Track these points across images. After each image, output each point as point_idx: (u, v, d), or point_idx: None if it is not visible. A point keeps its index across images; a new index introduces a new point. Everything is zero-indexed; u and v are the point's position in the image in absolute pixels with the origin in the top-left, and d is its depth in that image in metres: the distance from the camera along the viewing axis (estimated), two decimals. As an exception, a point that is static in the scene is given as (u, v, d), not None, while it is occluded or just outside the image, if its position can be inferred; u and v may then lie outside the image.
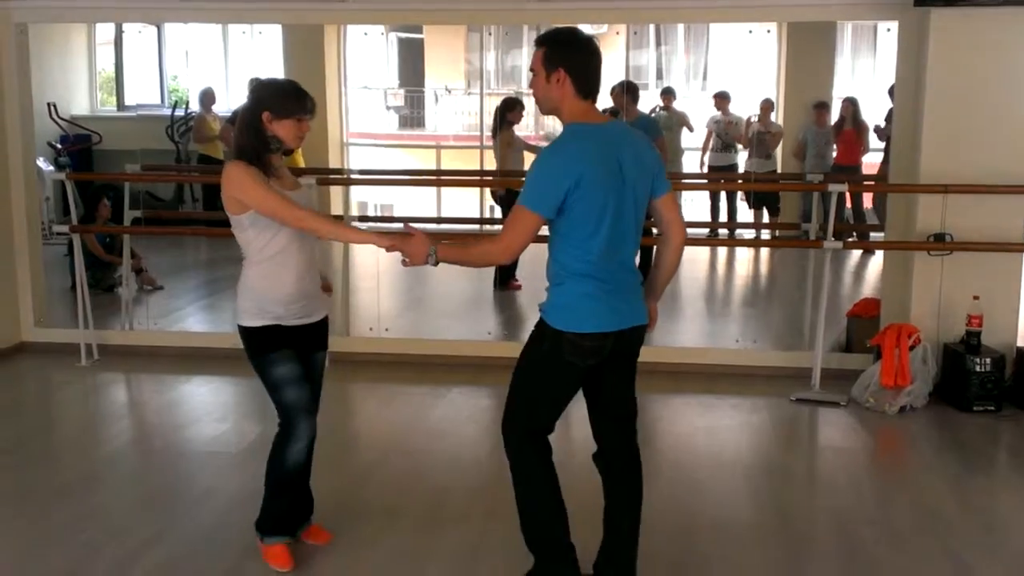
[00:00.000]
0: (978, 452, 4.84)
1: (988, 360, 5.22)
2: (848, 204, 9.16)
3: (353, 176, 8.36)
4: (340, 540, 3.68)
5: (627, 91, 7.58)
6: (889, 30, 6.17)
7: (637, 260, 3.11)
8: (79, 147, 10.79)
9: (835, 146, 10.17)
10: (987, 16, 5.28)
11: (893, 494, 4.28)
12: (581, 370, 2.99)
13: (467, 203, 11.39)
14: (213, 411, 5.34)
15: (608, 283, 2.93)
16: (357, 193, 11.66)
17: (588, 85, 2.91)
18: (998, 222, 5.41)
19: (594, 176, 2.82)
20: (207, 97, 10.20)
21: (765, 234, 9.59)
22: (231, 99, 10.78)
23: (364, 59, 13.88)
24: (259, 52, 11.19)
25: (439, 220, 10.36)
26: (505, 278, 8.11)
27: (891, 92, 8.89)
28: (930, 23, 5.36)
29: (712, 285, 9.13)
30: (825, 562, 3.56)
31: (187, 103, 10.91)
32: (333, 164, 11.12)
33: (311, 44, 11.47)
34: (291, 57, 11.55)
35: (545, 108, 2.98)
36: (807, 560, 3.58)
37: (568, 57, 2.88)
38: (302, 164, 10.54)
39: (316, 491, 4.17)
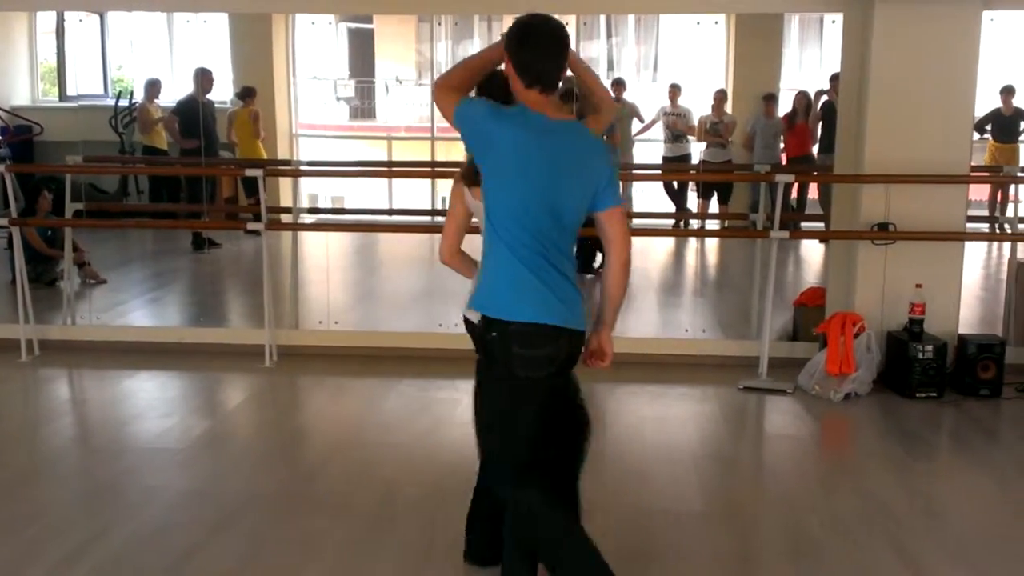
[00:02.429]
0: (921, 438, 4.92)
1: (930, 347, 5.32)
2: (794, 194, 9.27)
3: (302, 168, 8.27)
4: (289, 535, 3.64)
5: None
6: (834, 22, 6.25)
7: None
8: (19, 138, 10.56)
9: (786, 138, 10.28)
10: (930, 8, 5.36)
11: (838, 480, 4.35)
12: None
13: (419, 195, 11.34)
14: (158, 407, 5.26)
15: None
16: (307, 185, 11.56)
17: (529, 75, 2.74)
18: (940, 212, 5.50)
19: (510, 153, 2.71)
20: (152, 87, 10.04)
21: (714, 224, 9.67)
22: (177, 89, 10.61)
23: (313, 49, 13.74)
24: (205, 41, 11.02)
25: (391, 212, 10.30)
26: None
27: (832, 80, 9.08)
28: (874, 15, 5.43)
29: (662, 274, 9.18)
30: (771, 549, 3.60)
31: (132, 93, 10.72)
32: (282, 155, 11.01)
33: (258, 34, 11.34)
34: (238, 47, 11.41)
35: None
36: (754, 547, 3.62)
37: (509, 47, 2.78)
38: (264, 155, 10.47)
39: (264, 486, 4.14)
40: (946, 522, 3.87)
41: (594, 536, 3.43)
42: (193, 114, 9.15)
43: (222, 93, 10.85)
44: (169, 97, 10.29)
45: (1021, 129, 11.39)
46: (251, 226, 6.13)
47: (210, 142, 9.29)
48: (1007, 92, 11.23)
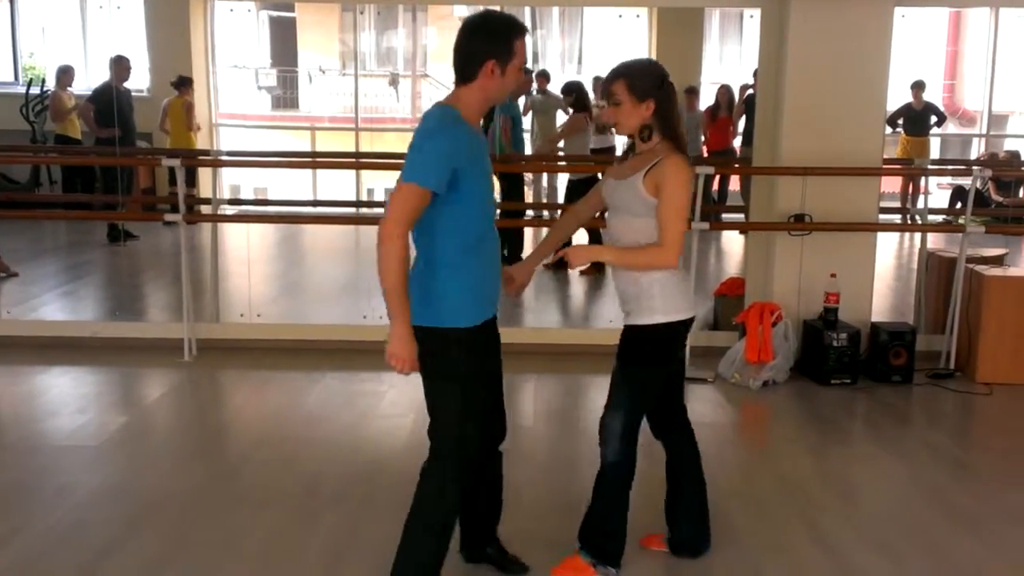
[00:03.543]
0: (835, 424, 5.06)
1: (844, 335, 5.46)
2: (715, 186, 9.44)
3: (222, 158, 8.11)
4: (210, 531, 3.58)
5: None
6: (752, 16, 6.36)
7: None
8: (-76, 127, 10.14)
9: (708, 131, 10.43)
10: (844, 5, 5.50)
11: (756, 466, 4.44)
12: None
13: (343, 186, 11.23)
14: (72, 403, 5.11)
15: None
16: (229, 176, 11.37)
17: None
18: (853, 203, 5.66)
19: None
20: (65, 75, 9.75)
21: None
22: (90, 76, 10.33)
23: (233, 37, 13.50)
24: (120, 28, 10.75)
25: (315, 203, 10.19)
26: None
27: (756, 75, 9.26)
28: (790, 10, 5.55)
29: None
30: (692, 534, 3.66)
31: (43, 81, 10.39)
32: (202, 145, 10.81)
33: (175, 20, 11.10)
34: (154, 33, 11.16)
35: None
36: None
37: None
38: (195, 145, 10.29)
39: (183, 482, 4.06)
40: (860, 506, 3.98)
41: (519, 524, 3.46)
42: (109, 102, 8.93)
43: (139, 81, 10.60)
44: (82, 85, 10.01)
45: (931, 123, 11.78)
46: (168, 217, 6.00)
47: (127, 131, 9.07)
48: (917, 87, 11.60)
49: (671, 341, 3.19)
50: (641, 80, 3.08)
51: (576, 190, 8.09)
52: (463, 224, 2.78)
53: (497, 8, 8.23)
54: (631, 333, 3.19)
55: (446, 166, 2.68)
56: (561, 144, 8.84)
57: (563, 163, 9.31)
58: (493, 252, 2.91)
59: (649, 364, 3.18)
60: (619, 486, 3.27)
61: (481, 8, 3.00)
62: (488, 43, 2.74)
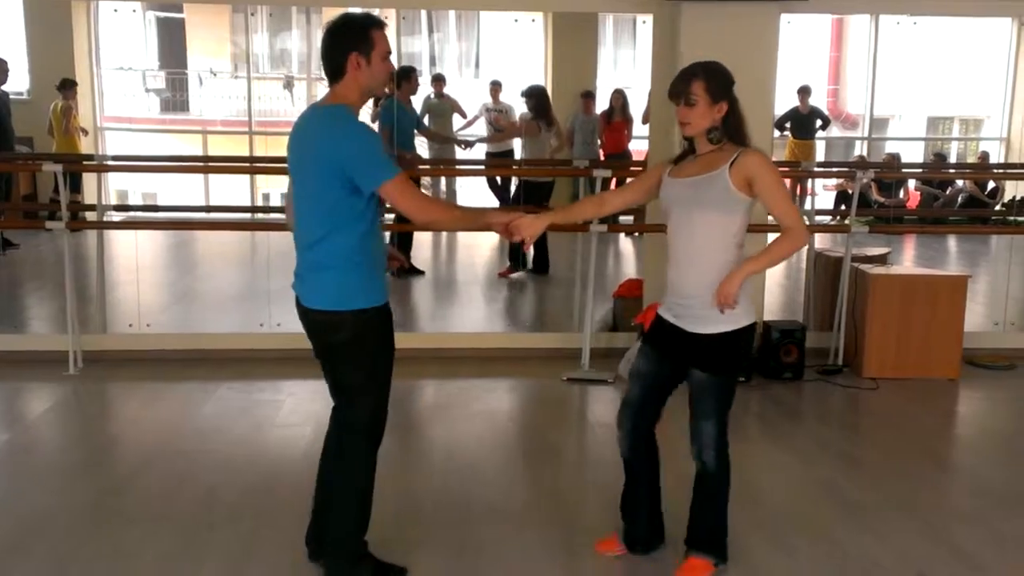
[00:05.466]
0: (731, 421, 5.15)
1: (739, 334, 5.58)
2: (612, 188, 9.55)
3: (108, 162, 7.83)
4: (99, 550, 3.44)
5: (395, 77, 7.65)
6: (645, 22, 6.46)
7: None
8: None
9: (603, 135, 10.56)
10: (732, 10, 5.63)
11: (656, 465, 4.49)
12: None
13: (238, 191, 11.00)
14: (-52, 421, 4.86)
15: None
16: (116, 181, 10.99)
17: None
18: (745, 205, 5.78)
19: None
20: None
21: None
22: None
23: (119, 38, 13.09)
24: (-5, 28, 10.32)
25: (207, 208, 9.94)
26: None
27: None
28: (681, 17, 5.65)
29: (486, 269, 9.25)
30: (595, 536, 3.68)
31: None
32: (87, 149, 10.44)
33: (56, 20, 10.72)
34: (34, 34, 10.74)
35: None
36: (579, 535, 3.69)
37: None
38: (79, 150, 9.91)
39: (69, 500, 3.89)
40: (757, 501, 4.06)
41: (422, 533, 3.43)
42: (-16, 106, 8.54)
43: (18, 84, 10.19)
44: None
45: (816, 126, 12.19)
46: (50, 225, 5.75)
47: (4, 135, 8.69)
48: (803, 92, 11.99)
49: (751, 343, 3.21)
50: (718, 82, 3.14)
51: (532, 193, 8.05)
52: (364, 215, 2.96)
53: (387, 11, 8.16)
54: (718, 340, 3.16)
55: None
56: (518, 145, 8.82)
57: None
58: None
59: (737, 368, 3.20)
60: (726, 491, 3.35)
61: (358, 10, 3.07)
62: (347, 38, 2.93)
